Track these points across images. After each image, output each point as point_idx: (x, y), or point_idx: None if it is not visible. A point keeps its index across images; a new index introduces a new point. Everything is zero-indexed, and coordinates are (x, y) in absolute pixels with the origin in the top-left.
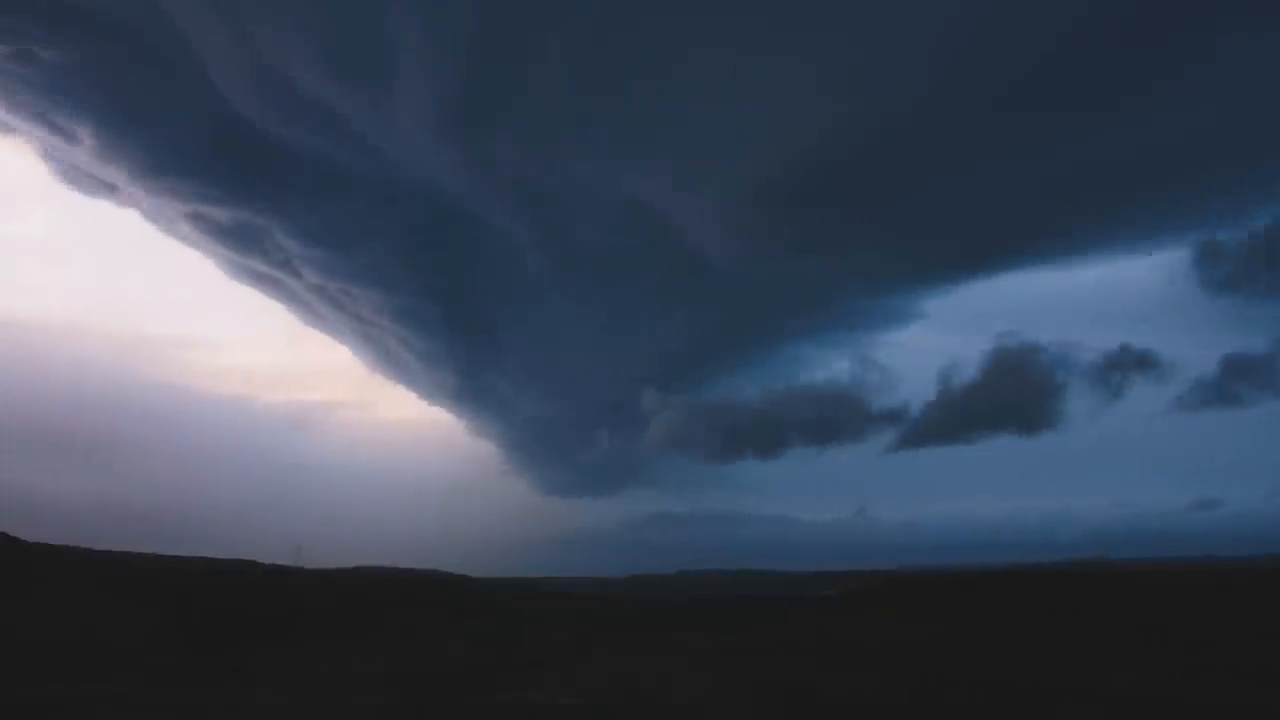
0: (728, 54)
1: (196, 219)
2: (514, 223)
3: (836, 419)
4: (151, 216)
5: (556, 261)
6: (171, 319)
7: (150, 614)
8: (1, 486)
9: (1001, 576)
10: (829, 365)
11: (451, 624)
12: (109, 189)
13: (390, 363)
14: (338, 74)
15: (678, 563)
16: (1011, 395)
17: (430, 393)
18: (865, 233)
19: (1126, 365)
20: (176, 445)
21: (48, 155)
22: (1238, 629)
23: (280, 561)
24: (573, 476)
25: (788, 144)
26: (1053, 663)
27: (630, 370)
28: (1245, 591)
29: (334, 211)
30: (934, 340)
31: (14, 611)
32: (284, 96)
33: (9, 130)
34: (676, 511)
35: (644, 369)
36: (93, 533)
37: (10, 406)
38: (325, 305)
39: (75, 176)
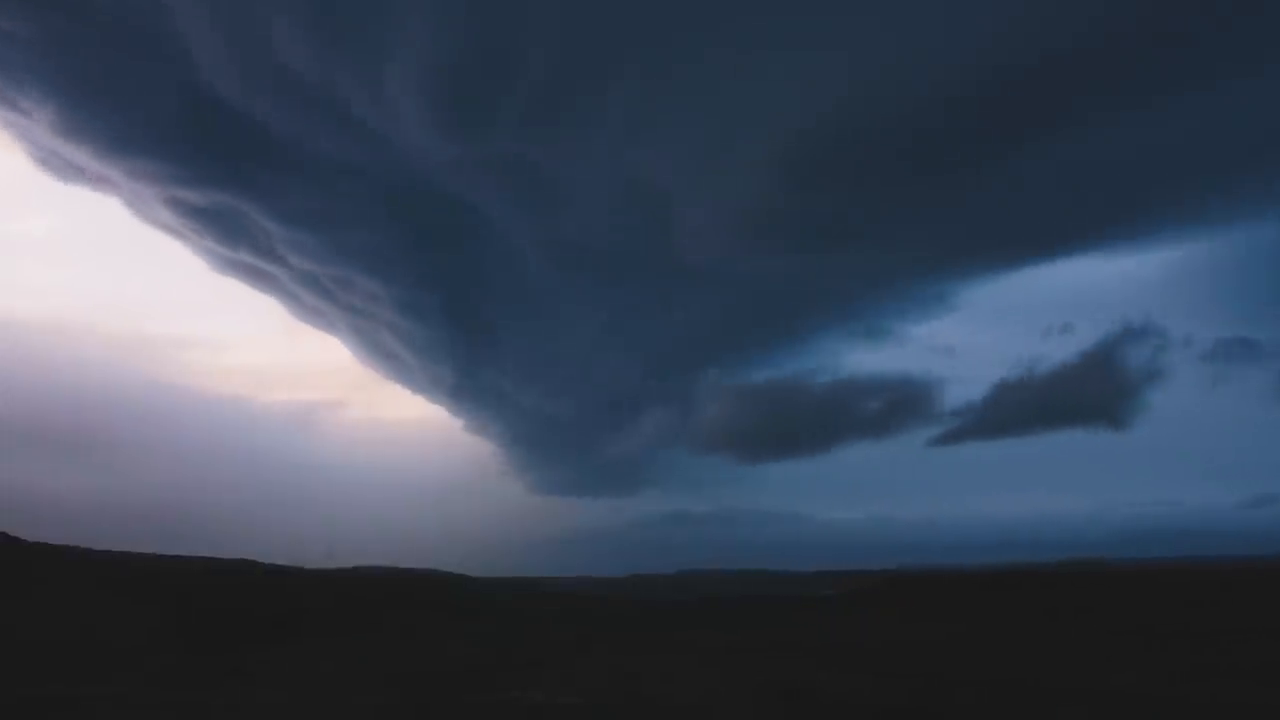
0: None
1: (175, 204)
2: (515, 212)
3: (880, 413)
4: (132, 204)
5: (557, 257)
6: (170, 318)
7: (150, 614)
8: (1, 486)
9: (1002, 576)
10: (843, 358)
11: (451, 624)
12: (77, 171)
13: (383, 356)
14: (325, 46)
15: (678, 562)
16: (1081, 389)
17: (426, 388)
18: (897, 222)
19: (1225, 355)
20: (175, 444)
21: (18, 136)
22: (1240, 628)
23: (280, 561)
24: (580, 476)
25: (825, 125)
26: (1053, 662)
27: (636, 369)
28: (1248, 590)
29: (318, 194)
30: (968, 333)
31: (14, 611)
32: (265, 70)
33: None
34: (695, 511)
35: (650, 366)
36: (93, 533)
37: (9, 406)
38: (316, 297)
39: (46, 159)
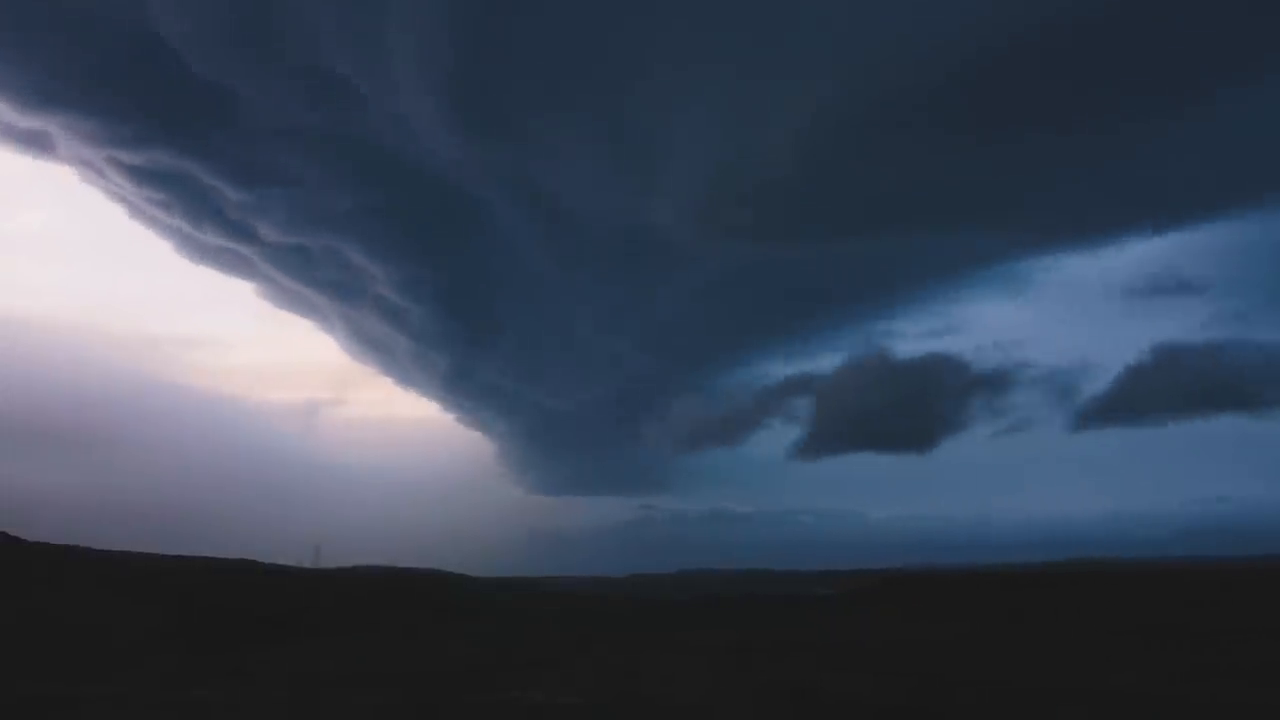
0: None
1: (116, 165)
2: (518, 205)
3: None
4: (87, 178)
5: (560, 243)
6: (167, 318)
7: (151, 614)
8: (1, 486)
9: (1002, 576)
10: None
11: (451, 624)
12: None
13: (372, 348)
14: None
15: (679, 562)
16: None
17: (419, 383)
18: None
19: None
20: (176, 444)
21: None
22: (1240, 628)
23: (283, 561)
24: (592, 473)
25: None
26: (1053, 662)
27: (661, 362)
28: (1248, 590)
29: (301, 161)
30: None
31: (14, 611)
32: (234, 19)
33: None
34: (739, 510)
35: (665, 363)
36: (93, 533)
37: (8, 405)
38: (291, 277)
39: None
